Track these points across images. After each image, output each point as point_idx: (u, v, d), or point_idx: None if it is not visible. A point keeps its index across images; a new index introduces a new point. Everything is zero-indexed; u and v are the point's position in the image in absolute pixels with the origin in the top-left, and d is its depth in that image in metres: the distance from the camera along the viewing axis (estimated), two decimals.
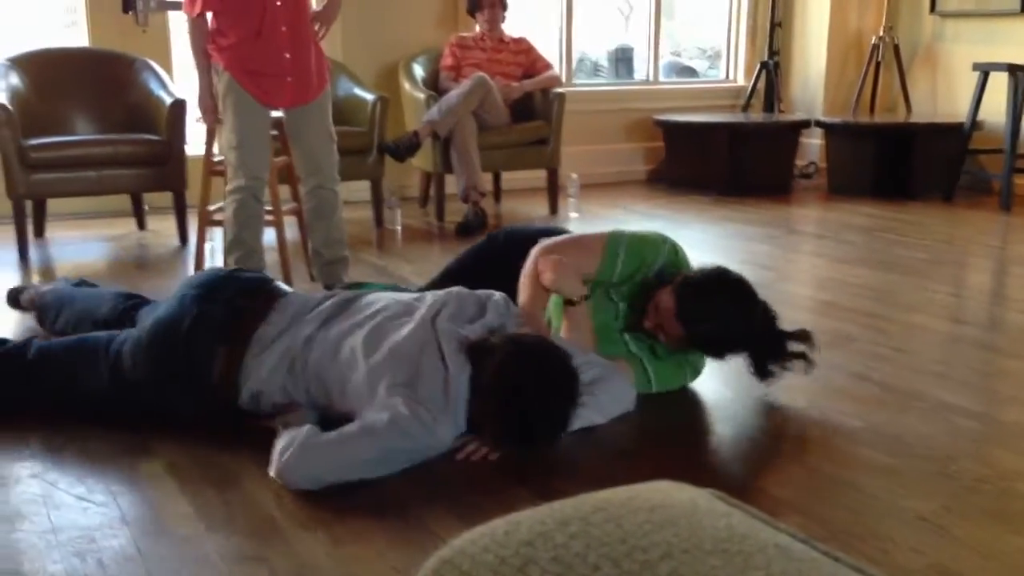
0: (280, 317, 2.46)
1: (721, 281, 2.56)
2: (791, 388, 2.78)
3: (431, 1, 5.95)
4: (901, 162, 6.02)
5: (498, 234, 3.26)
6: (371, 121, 5.02)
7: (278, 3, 3.46)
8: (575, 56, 6.71)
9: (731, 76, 7.23)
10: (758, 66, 6.84)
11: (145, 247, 4.75)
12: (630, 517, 0.75)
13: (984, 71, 5.71)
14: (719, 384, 2.81)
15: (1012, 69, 5.53)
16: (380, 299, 2.51)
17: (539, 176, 5.67)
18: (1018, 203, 5.69)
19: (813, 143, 6.74)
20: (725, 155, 6.17)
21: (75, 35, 5.45)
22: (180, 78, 5.05)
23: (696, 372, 2.78)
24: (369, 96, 5.11)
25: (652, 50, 6.87)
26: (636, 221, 5.18)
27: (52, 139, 4.53)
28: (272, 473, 2.16)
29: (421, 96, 5.29)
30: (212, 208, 3.96)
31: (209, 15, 3.51)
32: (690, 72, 8.06)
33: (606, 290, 2.74)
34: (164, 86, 4.89)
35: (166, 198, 4.78)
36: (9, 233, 4.48)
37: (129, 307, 2.86)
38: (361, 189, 5.23)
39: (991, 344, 3.28)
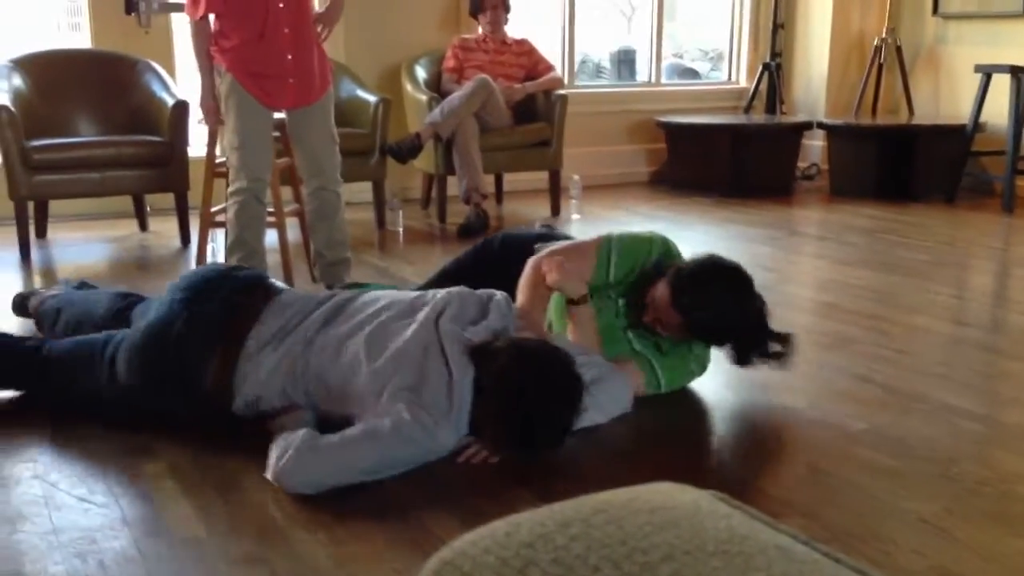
0: (277, 316, 2.44)
1: (715, 266, 2.59)
2: (793, 389, 2.78)
3: (433, 3, 5.95)
4: (903, 164, 6.02)
5: (494, 238, 3.28)
6: (373, 123, 5.02)
7: (281, 5, 3.46)
8: (577, 58, 6.72)
9: (733, 78, 7.23)
10: (760, 68, 6.84)
11: (147, 248, 4.75)
12: (631, 519, 0.75)
13: (986, 73, 5.71)
14: (720, 385, 2.81)
15: (1014, 71, 5.53)
16: (381, 298, 2.49)
17: (541, 178, 5.67)
18: (1020, 205, 5.69)
19: (815, 145, 6.74)
20: (727, 157, 6.17)
21: (79, 37, 5.46)
22: (182, 80, 5.05)
23: (703, 366, 2.77)
24: (371, 98, 5.11)
25: (654, 52, 6.87)
26: (638, 223, 5.18)
27: (54, 140, 4.54)
28: (269, 477, 2.16)
29: (423, 98, 5.29)
30: (214, 209, 3.96)
31: (212, 17, 3.51)
32: (692, 74, 8.07)
33: (605, 290, 2.75)
34: (166, 87, 4.89)
35: (168, 199, 4.79)
36: (11, 234, 4.48)
37: (124, 307, 2.86)
38: (363, 190, 5.23)
39: (993, 346, 3.28)
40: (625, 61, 7.73)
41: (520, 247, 2.93)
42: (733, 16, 7.11)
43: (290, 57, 3.51)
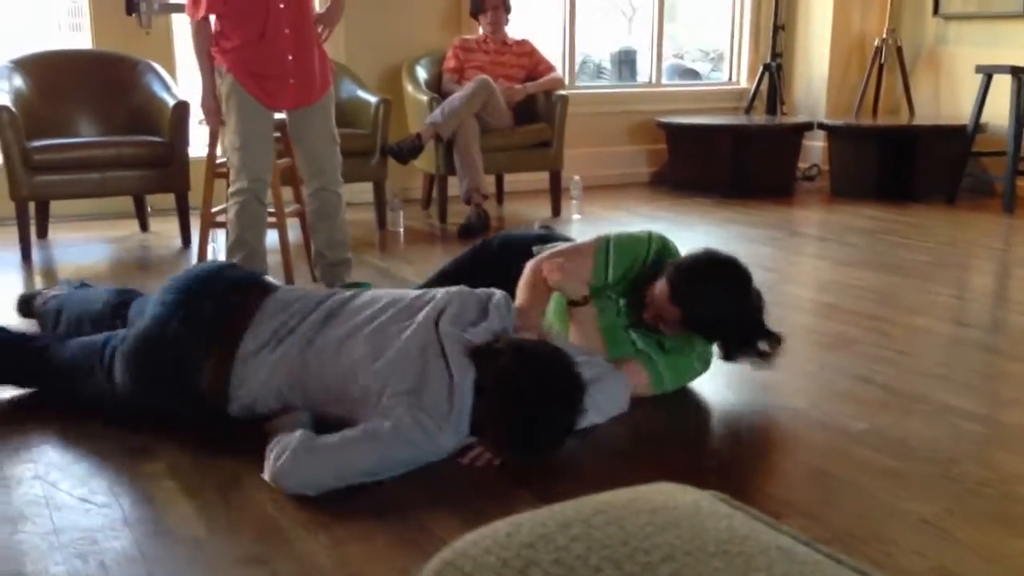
0: (273, 316, 2.42)
1: (712, 259, 2.60)
2: (794, 390, 2.78)
3: (434, 3, 5.95)
4: (904, 164, 6.02)
5: (493, 239, 3.28)
6: (374, 123, 5.02)
7: (281, 5, 3.46)
8: (578, 58, 6.72)
9: (734, 78, 7.23)
10: (761, 68, 6.84)
11: (148, 249, 4.75)
12: (632, 519, 0.75)
13: (987, 73, 5.71)
14: (721, 386, 2.81)
15: (1015, 71, 5.53)
16: (380, 298, 2.48)
17: (542, 178, 5.67)
18: (1021, 205, 5.69)
19: (816, 145, 6.74)
20: (728, 157, 6.17)
21: (79, 37, 5.47)
22: (183, 80, 5.05)
23: (706, 363, 2.77)
24: (372, 98, 5.12)
25: (655, 52, 6.87)
26: (639, 223, 5.17)
27: (55, 141, 4.54)
28: (266, 477, 2.16)
29: (424, 98, 5.29)
30: (215, 210, 3.96)
31: (212, 18, 3.52)
32: (693, 74, 8.07)
33: (605, 291, 2.75)
34: (167, 88, 4.89)
35: (169, 200, 4.79)
36: (12, 235, 4.49)
37: (121, 303, 2.86)
38: (364, 191, 5.24)
39: (994, 347, 3.28)
40: (626, 62, 7.74)
41: (519, 248, 2.94)
42: (734, 17, 7.11)
43: (291, 58, 3.51)
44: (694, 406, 2.72)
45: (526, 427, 2.21)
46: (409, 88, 5.51)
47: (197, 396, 2.38)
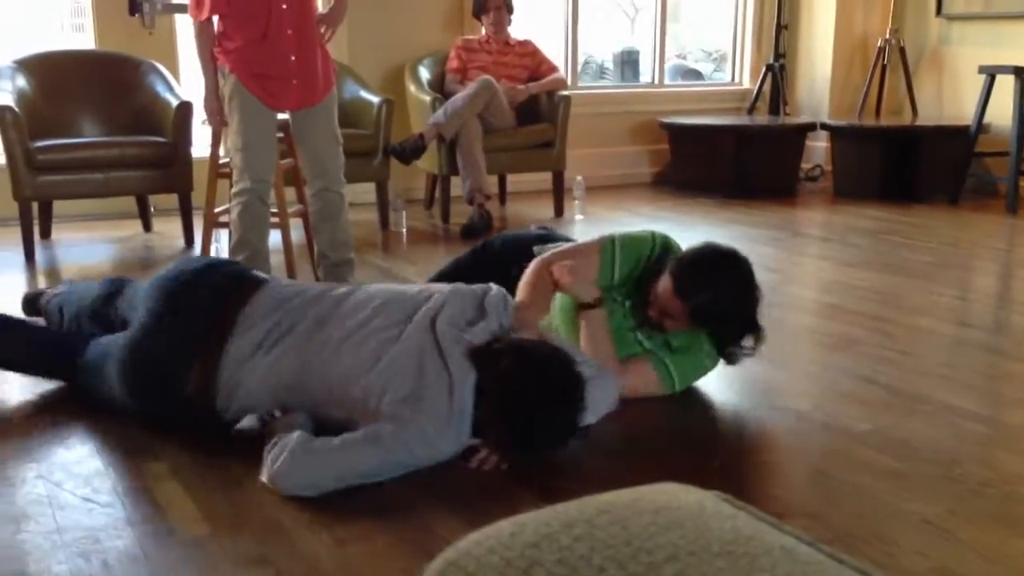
0: (265, 317, 2.40)
1: (714, 252, 2.61)
2: (797, 391, 2.78)
3: (437, 4, 5.96)
4: (907, 165, 6.01)
5: (494, 239, 3.28)
6: (377, 123, 5.02)
7: (284, 6, 3.46)
8: (580, 59, 6.72)
9: (737, 79, 7.22)
10: (764, 69, 6.84)
11: (151, 249, 4.76)
12: (635, 519, 0.75)
13: (990, 74, 5.71)
14: (724, 386, 2.81)
15: (1018, 72, 5.52)
16: (377, 295, 2.45)
17: (544, 179, 5.67)
18: None
19: (819, 146, 6.74)
20: (731, 158, 6.17)
21: (82, 38, 5.47)
22: (186, 81, 5.06)
23: (715, 359, 2.75)
24: (375, 98, 5.12)
25: (657, 53, 6.87)
26: (642, 224, 5.17)
27: (58, 141, 4.54)
28: (264, 479, 2.16)
29: (427, 98, 5.29)
30: (218, 210, 3.97)
31: (215, 18, 3.52)
32: (695, 75, 8.06)
33: (610, 292, 2.74)
34: (170, 88, 4.90)
35: (172, 200, 4.79)
36: (15, 235, 4.49)
37: (113, 291, 2.87)
38: (367, 191, 5.24)
39: (997, 347, 3.27)
40: (628, 62, 7.74)
41: (520, 248, 2.93)
42: (736, 17, 7.11)
43: (293, 58, 3.52)
44: (697, 406, 2.72)
45: (527, 427, 2.21)
46: (412, 88, 5.51)
47: (186, 402, 2.37)
